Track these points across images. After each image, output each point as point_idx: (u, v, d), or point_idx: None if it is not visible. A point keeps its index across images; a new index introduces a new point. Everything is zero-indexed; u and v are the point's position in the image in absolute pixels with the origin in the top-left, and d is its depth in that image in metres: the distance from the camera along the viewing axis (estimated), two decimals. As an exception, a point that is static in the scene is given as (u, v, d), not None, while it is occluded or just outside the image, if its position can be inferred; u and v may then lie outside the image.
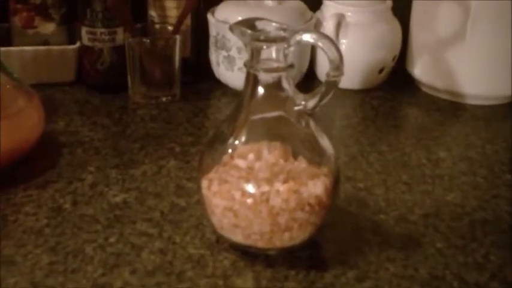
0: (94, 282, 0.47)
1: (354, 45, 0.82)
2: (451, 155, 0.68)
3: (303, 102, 0.49)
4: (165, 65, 0.78)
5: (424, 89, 0.85)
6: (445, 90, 0.82)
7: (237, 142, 0.50)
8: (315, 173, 0.49)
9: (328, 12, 0.83)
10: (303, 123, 0.50)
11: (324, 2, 0.85)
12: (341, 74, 0.47)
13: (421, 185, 0.62)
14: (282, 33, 0.47)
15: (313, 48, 0.85)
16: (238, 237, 0.50)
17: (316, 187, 0.48)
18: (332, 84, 0.48)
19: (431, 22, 0.81)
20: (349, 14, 0.82)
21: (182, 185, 0.60)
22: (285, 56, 0.47)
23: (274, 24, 0.48)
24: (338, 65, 0.46)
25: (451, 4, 0.78)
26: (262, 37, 0.46)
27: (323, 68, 0.85)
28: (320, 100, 0.48)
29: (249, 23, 0.48)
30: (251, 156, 0.50)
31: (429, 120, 0.78)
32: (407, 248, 0.52)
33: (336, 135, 0.73)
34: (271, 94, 0.49)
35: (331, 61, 0.46)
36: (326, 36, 0.47)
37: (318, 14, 0.85)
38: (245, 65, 0.48)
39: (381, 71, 0.84)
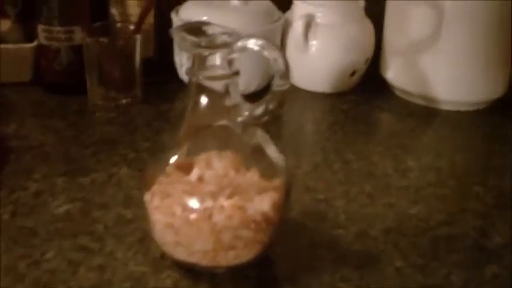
0: (22, 303, 0.44)
1: (324, 46, 0.78)
2: (419, 165, 0.65)
3: (247, 112, 0.45)
4: (125, 65, 0.75)
5: (397, 93, 0.82)
6: (418, 95, 0.79)
7: (179, 153, 0.46)
8: (264, 186, 0.46)
9: (298, 13, 0.79)
10: (250, 134, 0.46)
11: (294, 1, 0.81)
12: (287, 83, 0.44)
13: (384, 197, 0.59)
14: (226, 39, 0.43)
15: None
16: (181, 255, 0.46)
17: (263, 203, 0.45)
18: (278, 94, 0.44)
19: (404, 24, 0.78)
20: (319, 14, 0.78)
21: (131, 195, 0.57)
22: (230, 62, 0.44)
23: (220, 28, 0.45)
24: (284, 75, 0.43)
25: (425, 5, 0.75)
26: (203, 43, 0.43)
27: (294, 68, 0.81)
28: (266, 109, 0.45)
29: (195, 27, 0.45)
30: (198, 167, 0.46)
31: (400, 126, 0.75)
32: (363, 267, 0.49)
33: (301, 141, 0.70)
34: (215, 103, 0.45)
35: (276, 71, 0.43)
36: (272, 45, 0.43)
37: (287, 14, 0.81)
38: (187, 72, 0.45)
39: (352, 74, 0.81)
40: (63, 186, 0.58)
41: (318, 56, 0.79)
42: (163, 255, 0.49)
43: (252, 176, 0.47)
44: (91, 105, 0.75)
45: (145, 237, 0.50)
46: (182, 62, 0.78)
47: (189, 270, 0.47)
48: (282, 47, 0.80)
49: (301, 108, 0.78)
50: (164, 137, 0.48)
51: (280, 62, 0.43)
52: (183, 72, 0.78)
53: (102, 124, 0.71)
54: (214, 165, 0.47)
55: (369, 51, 0.81)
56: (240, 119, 0.45)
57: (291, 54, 0.79)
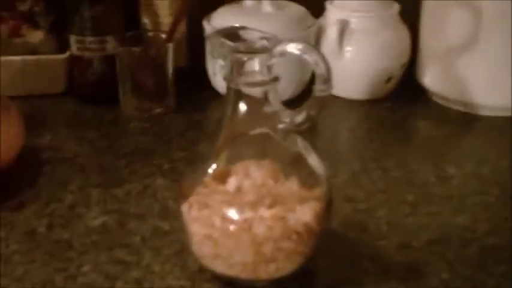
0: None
1: (359, 53, 0.77)
2: (461, 172, 0.63)
3: (288, 119, 0.44)
4: (158, 74, 0.74)
5: (435, 99, 0.79)
6: (457, 100, 0.76)
7: (217, 162, 0.45)
8: (304, 196, 0.45)
9: (332, 18, 0.78)
10: (290, 142, 0.45)
11: (327, 7, 0.80)
12: (329, 88, 0.42)
13: (427, 206, 0.57)
14: (265, 44, 0.42)
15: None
16: (220, 268, 0.45)
17: (305, 213, 0.44)
18: (320, 100, 0.43)
19: (441, 26, 0.76)
20: (353, 19, 0.77)
21: (168, 206, 0.56)
22: (269, 68, 0.43)
23: (258, 33, 0.43)
24: (326, 79, 0.42)
25: (462, 6, 0.73)
26: (242, 48, 0.42)
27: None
28: (308, 116, 0.43)
29: (231, 33, 0.44)
30: (235, 177, 0.45)
31: (439, 133, 0.72)
32: (409, 279, 0.47)
33: (338, 149, 0.68)
34: (254, 110, 0.44)
35: (318, 75, 0.42)
36: (313, 48, 0.42)
37: (320, 20, 0.80)
38: (225, 79, 0.43)
39: (388, 80, 0.79)
40: (98, 197, 0.57)
41: (353, 62, 0.77)
42: (202, 269, 0.47)
43: (292, 186, 0.46)
44: (124, 115, 0.74)
45: (183, 250, 0.49)
46: (215, 70, 0.76)
47: (229, 284, 0.46)
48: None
49: (336, 116, 0.76)
50: (201, 146, 0.47)
51: (322, 65, 0.42)
52: (215, 81, 0.77)
53: (135, 134, 0.70)
54: (253, 175, 0.46)
55: (405, 56, 0.79)
56: (280, 126, 0.44)
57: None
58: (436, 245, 0.51)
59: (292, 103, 0.74)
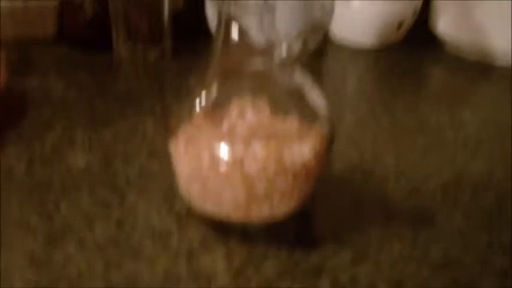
0: (31, 255, 0.39)
1: (368, -4, 0.72)
2: (477, 118, 0.58)
3: (283, 49, 0.39)
4: (153, 17, 0.70)
5: (448, 47, 0.75)
6: (472, 49, 0.71)
7: (207, 96, 0.41)
8: (303, 133, 0.40)
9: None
10: (287, 75, 0.40)
11: None
12: (329, 15, 0.37)
13: (440, 151, 0.52)
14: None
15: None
16: (209, 208, 0.41)
17: (303, 151, 0.39)
18: (318, 27, 0.38)
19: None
20: (363, -40, 0.72)
21: (157, 147, 0.52)
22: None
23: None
24: (325, 4, 0.37)
25: None
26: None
27: (337, 20, 0.75)
28: (305, 46, 0.38)
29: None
30: (229, 115, 0.41)
31: (453, 80, 0.68)
32: (418, 225, 0.43)
33: (344, 96, 0.63)
34: (248, 40, 0.39)
35: (317, 2, 0.37)
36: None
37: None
38: (217, 3, 0.39)
39: (399, 26, 0.74)
40: (83, 137, 0.53)
41: (361, 8, 0.72)
42: (190, 211, 0.43)
43: (291, 123, 0.41)
44: (117, 60, 0.70)
45: (171, 191, 0.45)
46: (215, 15, 0.72)
47: (218, 227, 0.42)
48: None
49: (343, 64, 0.72)
50: (191, 79, 0.42)
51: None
52: (214, 25, 0.72)
53: (128, 79, 0.66)
54: (248, 112, 0.41)
55: (417, 2, 0.74)
56: (275, 57, 0.39)
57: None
58: (449, 191, 0.47)
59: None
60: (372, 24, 0.73)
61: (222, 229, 0.41)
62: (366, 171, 0.49)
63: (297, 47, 0.39)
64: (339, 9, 0.73)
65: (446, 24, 0.73)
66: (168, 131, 0.42)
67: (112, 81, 0.65)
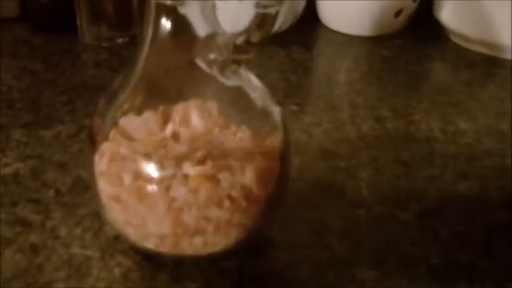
0: None
1: (363, -21, 0.64)
2: (475, 127, 0.51)
3: (223, 45, 0.32)
4: (121, 0, 0.63)
5: (453, 38, 0.67)
6: (478, 40, 0.63)
7: (130, 100, 0.34)
8: (251, 150, 0.33)
9: None
10: (229, 76, 0.33)
11: None
12: (279, 3, 0.30)
13: (425, 167, 0.45)
14: None
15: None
16: (133, 238, 0.34)
17: (245, 173, 0.32)
18: (264, 19, 0.31)
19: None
20: None
21: (100, 153, 0.45)
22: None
23: None
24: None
25: None
26: None
27: (327, 6, 0.67)
28: (247, 41, 0.31)
29: None
30: (171, 122, 0.34)
31: (454, 78, 0.60)
32: (385, 264, 0.36)
33: (327, 93, 0.56)
34: (181, 34, 0.32)
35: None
36: None
37: None
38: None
39: (397, 13, 0.66)
40: (20, 140, 0.47)
41: (357, -8, 0.65)
42: (119, 238, 0.37)
43: (243, 136, 0.34)
44: (81, 45, 0.63)
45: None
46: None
47: (149, 258, 0.35)
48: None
49: (332, 55, 0.64)
50: (116, 80, 0.35)
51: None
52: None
53: (88, 67, 0.59)
54: (193, 119, 0.34)
55: (420, -14, 0.66)
56: (213, 54, 0.32)
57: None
58: (429, 219, 0.40)
59: (280, 39, 0.63)
60: (367, 11, 0.65)
61: (152, 263, 0.35)
62: (334, 191, 0.42)
63: (240, 39, 0.31)
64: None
65: (450, 13, 0.65)
66: (91, 143, 0.35)
67: (69, 69, 0.59)
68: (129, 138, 0.34)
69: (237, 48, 0.32)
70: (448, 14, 0.65)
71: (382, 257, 0.36)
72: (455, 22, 0.65)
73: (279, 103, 0.51)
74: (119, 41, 0.63)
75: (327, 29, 0.68)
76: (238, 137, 0.34)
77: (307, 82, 0.58)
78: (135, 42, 0.63)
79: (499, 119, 0.52)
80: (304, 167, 0.44)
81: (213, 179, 0.32)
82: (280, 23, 0.63)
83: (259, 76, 0.35)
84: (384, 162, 0.45)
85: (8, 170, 0.43)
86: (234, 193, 0.32)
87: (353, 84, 0.58)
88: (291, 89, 0.55)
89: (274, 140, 0.35)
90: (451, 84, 0.59)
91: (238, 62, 0.32)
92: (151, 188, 0.32)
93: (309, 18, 0.69)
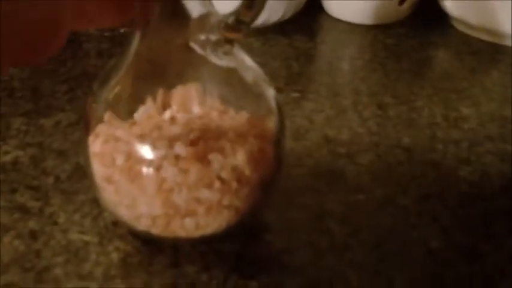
0: None
1: (366, -33, 0.64)
2: (477, 113, 0.50)
3: (215, 24, 0.32)
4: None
5: (457, 26, 0.66)
6: (482, 27, 0.63)
7: (122, 83, 0.34)
8: (245, 132, 0.33)
9: None
10: (222, 56, 0.33)
11: None
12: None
13: (426, 152, 0.45)
14: None
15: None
16: (126, 219, 0.34)
17: (236, 154, 0.32)
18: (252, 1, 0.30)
19: None
20: None
21: (100, 141, 0.45)
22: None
23: None
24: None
25: None
26: None
27: (336, 3, 0.67)
28: (238, 20, 0.31)
29: None
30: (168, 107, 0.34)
31: (457, 66, 0.59)
32: (383, 246, 0.36)
33: (329, 81, 0.56)
34: (173, 14, 0.32)
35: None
36: None
37: None
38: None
39: (402, 1, 0.65)
40: (20, 128, 0.47)
41: (359, -21, 0.64)
42: (117, 223, 0.37)
43: (240, 119, 0.34)
44: (83, 34, 0.63)
45: (102, 196, 0.39)
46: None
47: (146, 242, 0.35)
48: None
49: (335, 43, 0.64)
50: (110, 62, 0.35)
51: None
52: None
53: (89, 56, 0.59)
54: (192, 104, 0.34)
55: (424, -27, 0.66)
56: (205, 35, 0.32)
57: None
58: (430, 203, 0.39)
59: (283, 28, 0.62)
60: (371, 0, 0.64)
61: (151, 246, 0.35)
62: (334, 175, 0.42)
63: (230, 19, 0.31)
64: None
65: (454, 1, 0.65)
66: (86, 125, 0.35)
67: (70, 58, 0.59)
68: (123, 121, 0.34)
69: (228, 28, 0.31)
70: (451, 2, 0.65)
71: (381, 240, 0.36)
72: (459, 10, 0.64)
73: (280, 90, 0.52)
74: (121, 30, 0.63)
75: (331, 17, 0.68)
76: (235, 119, 0.34)
77: (310, 70, 0.58)
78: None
79: (502, 105, 0.52)
80: (306, 153, 0.44)
81: (204, 159, 0.31)
82: (283, 12, 0.63)
83: (262, 64, 0.35)
84: (385, 148, 0.45)
85: (7, 158, 0.43)
86: (225, 174, 0.32)
87: (356, 71, 0.57)
88: (292, 77, 0.55)
89: (269, 123, 0.34)
90: (455, 71, 0.58)
91: (230, 42, 0.32)
92: (143, 168, 0.32)
93: (312, 7, 0.68)
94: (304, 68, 0.58)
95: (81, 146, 0.35)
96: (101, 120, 0.34)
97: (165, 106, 0.34)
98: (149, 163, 0.31)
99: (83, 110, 0.48)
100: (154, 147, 0.32)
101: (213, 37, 0.32)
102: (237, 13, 0.31)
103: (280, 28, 0.64)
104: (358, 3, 0.65)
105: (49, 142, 0.45)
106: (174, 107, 0.34)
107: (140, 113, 0.34)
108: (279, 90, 0.52)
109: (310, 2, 0.67)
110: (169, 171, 0.31)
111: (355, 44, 0.64)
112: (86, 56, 0.59)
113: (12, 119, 0.48)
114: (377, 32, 0.65)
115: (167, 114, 0.34)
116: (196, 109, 0.34)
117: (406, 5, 0.66)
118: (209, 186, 0.31)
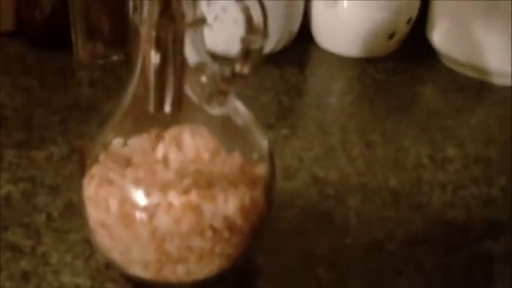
0: None
1: (357, 2, 0.65)
2: (463, 154, 0.51)
3: (211, 76, 0.33)
4: (116, 16, 0.63)
5: (445, 61, 0.67)
6: (469, 64, 0.64)
7: (119, 127, 0.35)
8: (237, 180, 0.34)
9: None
10: (215, 106, 0.34)
11: None
12: (263, 39, 0.31)
13: (413, 195, 0.46)
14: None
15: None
16: (120, 265, 0.35)
17: (227, 203, 0.33)
18: (249, 53, 0.31)
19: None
20: (352, -39, 0.65)
21: (92, 176, 0.45)
22: (194, 7, 0.32)
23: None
24: (258, 27, 0.30)
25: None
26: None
27: (321, 27, 0.68)
28: (234, 73, 0.32)
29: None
30: (162, 146, 0.34)
31: (444, 103, 0.60)
32: (373, 294, 0.37)
33: (317, 117, 0.57)
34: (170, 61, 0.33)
35: (247, 20, 0.30)
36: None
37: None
38: (133, 20, 0.32)
39: (391, 36, 0.67)
40: (12, 161, 0.47)
41: (350, 13, 0.65)
42: (111, 263, 0.37)
43: (232, 164, 0.35)
44: (75, 62, 0.63)
45: (94, 236, 0.39)
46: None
47: (138, 286, 0.36)
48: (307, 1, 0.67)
49: (325, 76, 0.65)
50: (109, 104, 0.36)
51: (255, 13, 0.30)
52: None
53: (82, 85, 0.60)
54: (185, 144, 0.35)
55: (413, 9, 0.67)
56: (200, 84, 0.33)
57: (317, 11, 0.66)
58: (416, 249, 0.40)
59: (274, 59, 0.63)
60: (360, 34, 0.65)
61: (141, 291, 0.35)
62: (323, 218, 0.43)
63: (226, 72, 0.32)
64: (324, 15, 0.66)
65: (442, 36, 0.66)
66: (81, 168, 0.36)
67: (62, 87, 0.59)
68: (120, 161, 0.34)
69: (224, 80, 0.32)
70: (439, 37, 0.66)
71: (368, 285, 0.37)
72: (446, 45, 0.65)
73: (271, 126, 0.53)
74: (114, 58, 0.63)
75: (321, 49, 0.69)
76: (227, 165, 0.35)
77: (299, 105, 0.59)
78: (129, 60, 0.63)
79: (487, 145, 0.53)
80: (295, 194, 0.45)
81: (196, 209, 0.32)
82: (275, 43, 0.64)
83: (253, 98, 0.36)
84: (373, 189, 0.46)
85: (0, 193, 0.44)
86: (217, 224, 0.33)
87: (344, 107, 0.58)
88: (283, 112, 0.56)
89: (261, 170, 0.35)
90: (441, 109, 0.59)
91: (225, 93, 0.33)
92: (136, 215, 0.32)
93: (303, 38, 0.69)
94: (294, 102, 0.59)
95: (76, 186, 0.35)
96: (96, 160, 0.35)
97: (159, 139, 0.35)
98: (143, 210, 0.32)
99: (75, 143, 0.49)
100: (148, 194, 0.32)
101: (208, 88, 0.33)
102: (233, 65, 0.32)
103: (272, 59, 0.65)
104: (348, 36, 0.66)
105: (41, 176, 0.45)
106: (167, 146, 0.35)
107: (134, 142, 0.34)
108: (270, 126, 0.53)
109: (301, 33, 0.68)
110: (163, 220, 0.32)
111: (344, 77, 0.65)
112: (78, 84, 0.60)
113: (5, 151, 0.48)
114: (366, 65, 0.66)
115: (160, 150, 0.35)
116: (189, 150, 0.35)
117: (395, 39, 0.67)
118: (201, 234, 0.32)
